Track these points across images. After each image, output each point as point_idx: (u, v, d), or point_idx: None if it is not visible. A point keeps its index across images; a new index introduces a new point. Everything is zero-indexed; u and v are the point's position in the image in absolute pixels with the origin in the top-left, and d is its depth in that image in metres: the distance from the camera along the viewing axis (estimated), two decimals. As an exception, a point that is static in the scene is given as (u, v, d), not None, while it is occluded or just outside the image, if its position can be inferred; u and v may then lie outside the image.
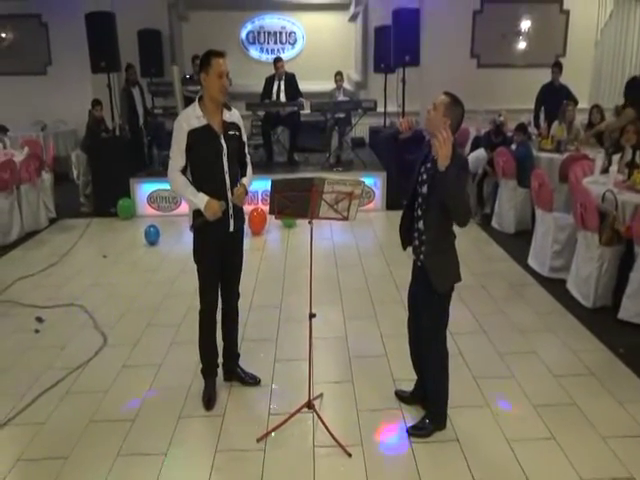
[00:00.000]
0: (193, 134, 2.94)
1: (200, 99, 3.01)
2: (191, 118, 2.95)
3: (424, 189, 2.73)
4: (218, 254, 3.12)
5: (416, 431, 2.96)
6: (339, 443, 2.85)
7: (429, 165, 2.72)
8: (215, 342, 3.31)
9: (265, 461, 2.77)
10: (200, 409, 3.20)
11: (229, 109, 3.07)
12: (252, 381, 3.43)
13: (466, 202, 2.72)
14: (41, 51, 10.03)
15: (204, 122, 2.96)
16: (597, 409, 3.14)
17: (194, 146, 2.96)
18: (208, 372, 3.33)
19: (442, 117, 2.61)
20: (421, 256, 2.83)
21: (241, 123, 3.14)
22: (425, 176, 2.74)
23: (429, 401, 3.03)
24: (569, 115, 7.04)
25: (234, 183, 3.07)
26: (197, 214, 3.03)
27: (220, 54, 2.94)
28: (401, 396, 3.26)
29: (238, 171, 3.14)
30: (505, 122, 8.21)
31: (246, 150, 3.22)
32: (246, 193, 3.13)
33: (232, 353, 3.46)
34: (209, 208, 2.95)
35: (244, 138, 3.17)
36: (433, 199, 2.68)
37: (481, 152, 7.10)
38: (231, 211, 3.07)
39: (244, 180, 3.16)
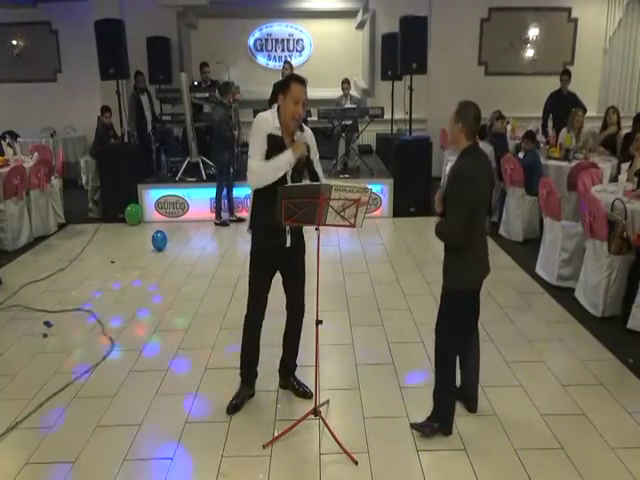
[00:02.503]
0: (270, 139, 2.91)
1: (278, 108, 2.95)
2: (271, 125, 2.92)
3: None
4: (272, 269, 3.12)
5: (418, 427, 2.99)
6: (345, 450, 2.85)
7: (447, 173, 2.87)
8: (256, 352, 3.29)
9: (271, 467, 2.77)
10: (207, 414, 3.21)
11: (302, 130, 3.00)
12: (302, 392, 3.35)
13: (450, 233, 2.77)
14: (51, 58, 10.09)
15: (280, 134, 2.94)
16: (606, 419, 3.11)
17: (268, 151, 2.92)
18: (243, 379, 3.32)
19: (455, 124, 2.80)
20: None
21: (312, 141, 3.07)
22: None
23: (433, 400, 3.02)
24: (577, 123, 7.02)
25: None
26: (257, 216, 3.01)
27: (301, 81, 2.88)
28: None
29: None
30: (512, 126, 8.20)
31: (317, 169, 3.10)
32: (306, 151, 2.98)
33: (289, 365, 3.41)
34: (296, 149, 2.89)
35: (312, 156, 3.06)
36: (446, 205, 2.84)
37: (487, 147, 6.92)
38: (288, 227, 3.01)
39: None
